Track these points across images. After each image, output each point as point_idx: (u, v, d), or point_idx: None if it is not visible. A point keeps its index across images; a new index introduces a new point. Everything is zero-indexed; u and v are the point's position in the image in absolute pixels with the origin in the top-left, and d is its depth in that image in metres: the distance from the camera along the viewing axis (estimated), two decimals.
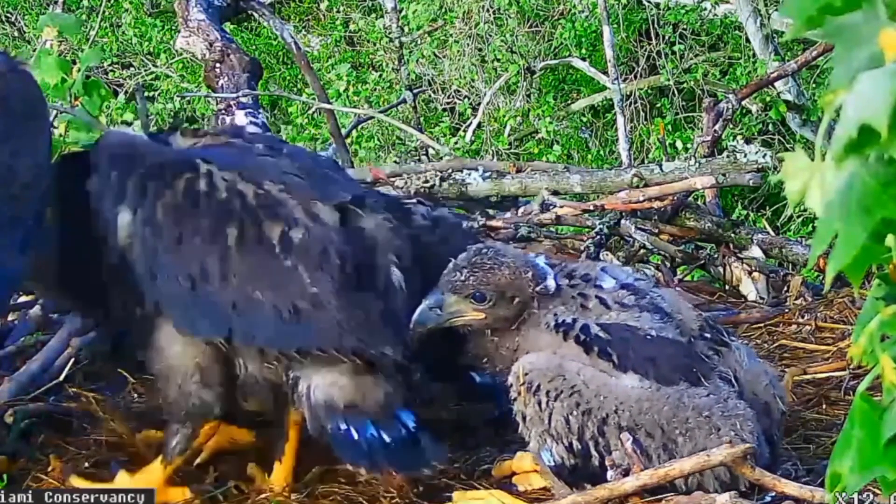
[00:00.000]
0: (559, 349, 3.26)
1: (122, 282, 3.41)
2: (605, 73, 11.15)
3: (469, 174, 5.80)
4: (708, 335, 3.35)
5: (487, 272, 3.30)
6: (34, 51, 5.32)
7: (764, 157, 5.46)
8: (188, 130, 3.63)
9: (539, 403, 3.22)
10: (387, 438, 3.29)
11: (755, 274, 5.40)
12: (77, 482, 3.57)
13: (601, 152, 12.60)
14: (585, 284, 3.36)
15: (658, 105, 12.74)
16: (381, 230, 3.41)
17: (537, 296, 3.32)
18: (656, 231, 5.63)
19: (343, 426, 3.30)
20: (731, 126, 10.08)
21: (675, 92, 12.44)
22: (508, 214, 5.59)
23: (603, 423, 3.19)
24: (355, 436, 3.29)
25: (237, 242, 3.30)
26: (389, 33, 11.90)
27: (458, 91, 13.22)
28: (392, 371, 3.32)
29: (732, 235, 5.57)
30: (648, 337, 3.26)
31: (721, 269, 5.53)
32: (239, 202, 3.32)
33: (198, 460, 3.77)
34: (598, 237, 5.40)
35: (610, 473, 3.17)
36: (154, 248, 3.35)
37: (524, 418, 3.26)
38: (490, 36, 12.90)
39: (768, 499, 3.21)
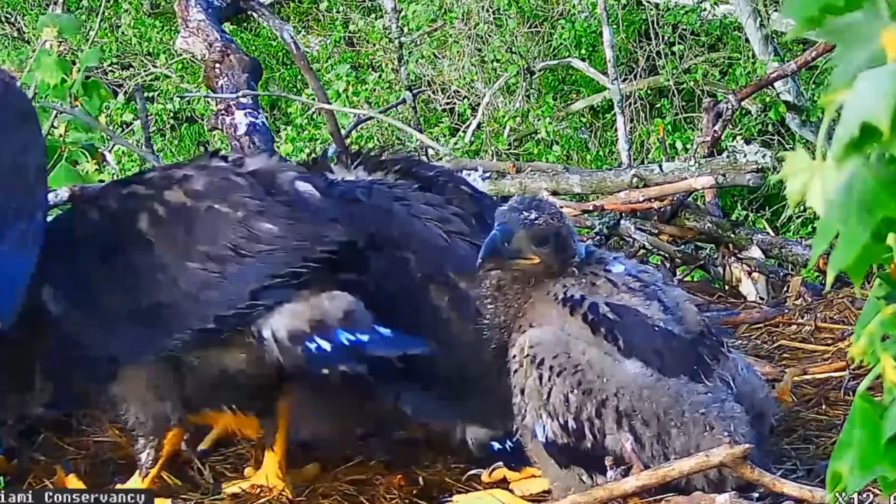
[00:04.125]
0: (565, 324, 3.24)
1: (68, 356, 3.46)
2: (605, 73, 11.15)
3: (469, 174, 5.80)
4: (707, 342, 3.34)
5: (554, 216, 3.27)
6: (33, 51, 5.32)
7: (763, 157, 5.46)
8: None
9: (540, 378, 3.20)
10: (365, 337, 3.28)
11: (755, 274, 5.40)
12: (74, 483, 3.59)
13: (601, 153, 12.60)
14: (597, 265, 3.35)
15: (658, 105, 12.75)
16: (270, 162, 3.50)
17: (577, 255, 3.31)
18: (656, 231, 5.62)
19: (312, 345, 3.28)
20: (731, 126, 10.08)
21: (675, 92, 12.45)
22: None
23: (602, 405, 3.17)
24: (328, 347, 3.28)
25: (150, 227, 3.36)
26: (389, 34, 11.90)
27: (458, 91, 13.22)
28: (353, 291, 3.33)
29: (732, 236, 5.57)
30: (656, 328, 3.25)
31: (721, 269, 5.53)
32: (135, 200, 3.40)
33: (201, 446, 3.78)
34: (598, 237, 5.40)
35: (610, 473, 3.17)
36: (84, 293, 3.40)
37: (522, 391, 3.24)
38: (489, 36, 12.90)
39: (766, 500, 3.21)
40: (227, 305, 3.32)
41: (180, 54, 12.16)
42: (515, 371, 3.25)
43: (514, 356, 3.26)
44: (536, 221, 3.23)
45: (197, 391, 3.46)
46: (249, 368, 3.42)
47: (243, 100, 5.54)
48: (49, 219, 3.65)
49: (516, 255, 3.24)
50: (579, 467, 3.22)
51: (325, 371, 3.32)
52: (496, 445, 3.52)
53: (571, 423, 3.19)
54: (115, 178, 6.57)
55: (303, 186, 3.44)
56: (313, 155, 10.32)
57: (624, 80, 11.84)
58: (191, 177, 3.41)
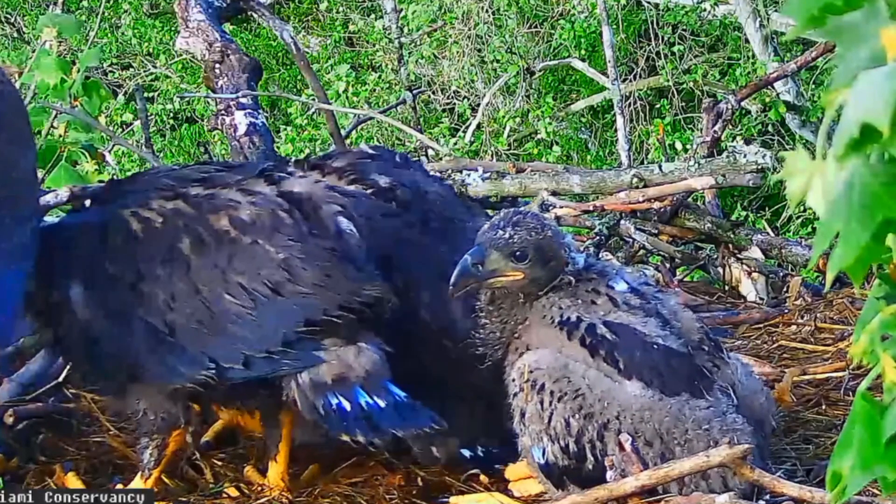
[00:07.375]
0: (563, 347, 3.25)
1: (86, 354, 3.47)
2: (605, 73, 11.16)
3: (468, 174, 5.80)
4: (706, 348, 3.34)
5: (531, 231, 3.27)
6: (33, 51, 5.32)
7: (763, 157, 5.45)
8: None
9: (541, 402, 3.21)
10: (381, 403, 3.26)
11: (755, 274, 5.40)
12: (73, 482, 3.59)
13: (601, 153, 12.62)
14: (599, 280, 3.35)
15: (657, 106, 12.75)
16: (315, 187, 3.44)
17: (570, 264, 3.32)
18: (656, 232, 5.62)
19: (334, 400, 3.27)
20: (731, 127, 10.09)
21: (675, 93, 12.46)
22: None
23: (603, 427, 3.18)
24: (347, 407, 3.26)
25: (192, 250, 3.33)
26: (389, 34, 11.91)
27: (458, 92, 13.22)
28: (376, 337, 3.31)
29: (732, 236, 5.57)
30: (655, 346, 3.26)
31: (721, 269, 5.53)
32: (179, 218, 3.36)
33: (204, 437, 3.78)
34: (598, 238, 5.40)
35: (609, 474, 3.17)
36: (115, 303, 3.38)
37: (522, 414, 3.25)
38: (489, 37, 12.91)
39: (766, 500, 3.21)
40: (259, 347, 3.30)
41: (180, 54, 12.17)
42: (515, 395, 3.26)
43: (514, 380, 3.27)
44: (511, 239, 3.24)
45: (209, 400, 3.48)
46: (263, 402, 3.46)
47: (243, 100, 5.53)
48: (59, 217, 3.66)
49: (492, 275, 3.26)
50: (578, 488, 3.23)
51: (344, 438, 3.31)
52: (467, 454, 3.52)
53: (573, 447, 3.20)
54: (115, 178, 6.54)
55: (344, 224, 3.39)
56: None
57: (624, 80, 11.84)
58: (238, 204, 3.37)
